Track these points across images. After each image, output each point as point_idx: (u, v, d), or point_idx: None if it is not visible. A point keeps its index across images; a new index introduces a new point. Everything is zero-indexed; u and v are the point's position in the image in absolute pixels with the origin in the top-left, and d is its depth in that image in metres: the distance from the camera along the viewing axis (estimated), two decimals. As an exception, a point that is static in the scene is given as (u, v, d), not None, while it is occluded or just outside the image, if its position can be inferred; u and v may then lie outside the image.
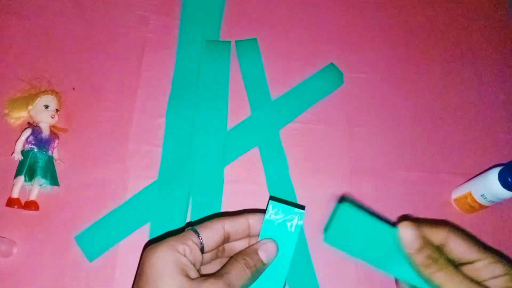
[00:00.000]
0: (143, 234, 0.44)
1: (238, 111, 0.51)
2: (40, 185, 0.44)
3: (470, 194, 0.45)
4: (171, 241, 0.29)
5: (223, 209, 0.46)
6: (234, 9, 0.56)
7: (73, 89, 0.50)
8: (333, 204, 0.47)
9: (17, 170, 0.44)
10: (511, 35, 0.58)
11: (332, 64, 0.54)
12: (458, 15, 0.59)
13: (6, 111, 0.47)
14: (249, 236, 0.34)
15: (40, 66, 0.50)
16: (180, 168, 0.47)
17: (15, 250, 0.43)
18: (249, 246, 0.32)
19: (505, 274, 0.29)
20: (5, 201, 0.43)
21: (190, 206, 0.46)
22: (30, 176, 0.44)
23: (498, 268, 0.29)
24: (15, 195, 0.43)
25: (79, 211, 0.45)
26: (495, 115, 0.53)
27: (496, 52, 0.57)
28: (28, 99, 0.47)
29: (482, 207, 0.45)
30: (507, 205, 0.48)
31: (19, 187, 0.44)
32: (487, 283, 0.29)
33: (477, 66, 0.56)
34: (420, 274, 0.29)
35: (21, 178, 0.44)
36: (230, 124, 0.50)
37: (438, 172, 0.50)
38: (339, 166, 0.49)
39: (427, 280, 0.29)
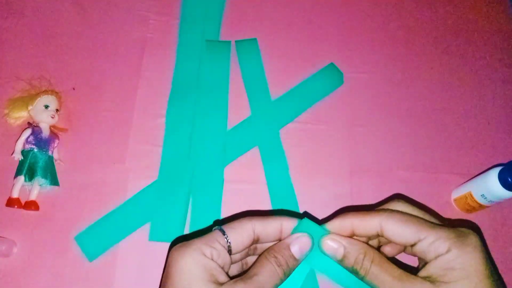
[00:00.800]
0: (143, 234, 0.44)
1: (238, 111, 0.51)
2: (40, 185, 0.44)
3: (470, 194, 0.45)
4: (198, 244, 0.28)
5: (223, 209, 0.46)
6: (234, 9, 0.56)
7: (73, 89, 0.50)
8: (333, 204, 0.47)
9: (17, 170, 0.44)
10: (511, 35, 0.58)
11: (332, 64, 0.54)
12: (458, 15, 0.58)
13: (6, 111, 0.47)
14: (280, 240, 0.31)
15: (40, 66, 0.50)
16: (180, 168, 0.47)
17: (15, 250, 0.43)
18: (280, 242, 0.30)
19: (447, 252, 0.26)
20: (5, 201, 0.43)
21: (190, 206, 0.46)
22: (30, 176, 0.44)
23: (440, 246, 0.27)
24: (15, 195, 0.44)
25: (79, 211, 0.45)
26: (495, 115, 0.53)
27: (496, 52, 0.56)
28: (28, 99, 0.47)
29: (482, 207, 0.45)
30: (507, 205, 0.48)
31: (19, 187, 0.44)
32: (431, 265, 0.27)
33: (477, 66, 0.56)
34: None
35: (21, 178, 0.44)
36: (230, 124, 0.50)
37: (438, 172, 0.50)
38: (339, 166, 0.49)
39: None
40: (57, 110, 0.47)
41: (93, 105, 0.49)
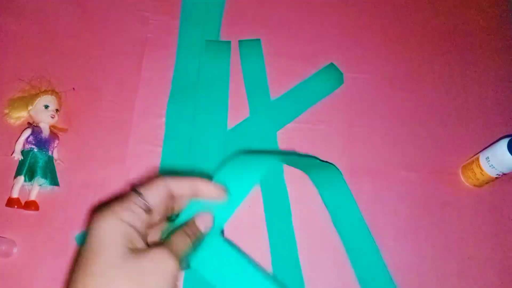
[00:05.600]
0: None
1: (238, 111, 0.51)
2: (40, 185, 0.44)
3: (477, 159, 0.46)
4: (116, 209, 0.29)
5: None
6: (234, 9, 0.56)
7: (73, 89, 0.50)
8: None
9: (17, 170, 0.44)
10: (511, 35, 0.58)
11: (332, 64, 0.54)
12: (458, 15, 0.58)
13: (6, 111, 0.47)
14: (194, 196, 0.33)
15: (40, 66, 0.50)
16: (180, 168, 0.47)
17: (15, 250, 0.43)
18: (188, 219, 0.33)
19: None
20: (5, 201, 0.43)
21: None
22: (30, 176, 0.44)
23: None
24: (15, 195, 0.44)
25: (79, 211, 0.45)
26: (495, 115, 0.53)
27: (496, 52, 0.56)
28: (28, 99, 0.47)
29: (489, 178, 0.45)
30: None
31: (19, 187, 0.44)
32: None
33: (477, 65, 0.56)
34: None
35: (21, 178, 0.44)
36: (230, 124, 0.50)
37: (438, 172, 0.50)
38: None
39: None
40: (57, 110, 0.47)
41: (93, 105, 0.49)
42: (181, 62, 0.52)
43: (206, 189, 0.33)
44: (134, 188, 0.31)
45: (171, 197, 0.32)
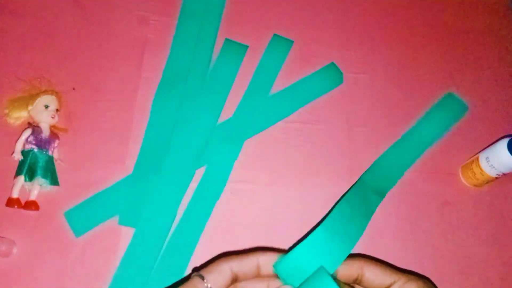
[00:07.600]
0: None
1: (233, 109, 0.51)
2: (40, 185, 0.44)
3: (477, 159, 0.46)
4: None
5: (223, 210, 0.46)
6: (234, 9, 0.56)
7: (73, 89, 0.50)
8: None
9: (17, 170, 0.44)
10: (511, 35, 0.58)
11: (332, 63, 0.54)
12: (458, 15, 0.59)
13: (6, 111, 0.47)
14: (259, 276, 0.32)
15: (40, 66, 0.50)
16: (156, 160, 0.47)
17: (15, 250, 0.43)
18: None
19: None
20: (5, 201, 0.43)
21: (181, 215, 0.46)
22: (30, 176, 0.44)
23: (411, 286, 0.31)
24: (15, 195, 0.44)
25: (79, 211, 0.45)
26: (495, 115, 0.53)
27: (496, 52, 0.57)
28: (28, 99, 0.47)
29: (489, 178, 0.45)
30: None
31: (19, 187, 0.44)
32: None
33: (477, 65, 0.56)
34: None
35: (21, 178, 0.44)
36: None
37: (437, 172, 0.50)
38: (339, 166, 0.49)
39: None
40: (57, 110, 0.47)
41: (93, 105, 0.49)
42: (174, 55, 0.52)
43: (269, 262, 0.32)
44: (198, 273, 0.31)
45: (235, 279, 0.31)
